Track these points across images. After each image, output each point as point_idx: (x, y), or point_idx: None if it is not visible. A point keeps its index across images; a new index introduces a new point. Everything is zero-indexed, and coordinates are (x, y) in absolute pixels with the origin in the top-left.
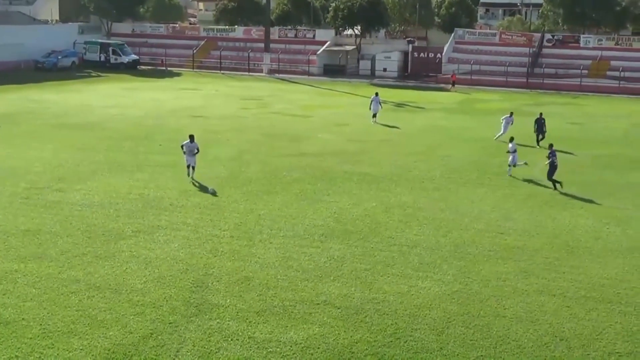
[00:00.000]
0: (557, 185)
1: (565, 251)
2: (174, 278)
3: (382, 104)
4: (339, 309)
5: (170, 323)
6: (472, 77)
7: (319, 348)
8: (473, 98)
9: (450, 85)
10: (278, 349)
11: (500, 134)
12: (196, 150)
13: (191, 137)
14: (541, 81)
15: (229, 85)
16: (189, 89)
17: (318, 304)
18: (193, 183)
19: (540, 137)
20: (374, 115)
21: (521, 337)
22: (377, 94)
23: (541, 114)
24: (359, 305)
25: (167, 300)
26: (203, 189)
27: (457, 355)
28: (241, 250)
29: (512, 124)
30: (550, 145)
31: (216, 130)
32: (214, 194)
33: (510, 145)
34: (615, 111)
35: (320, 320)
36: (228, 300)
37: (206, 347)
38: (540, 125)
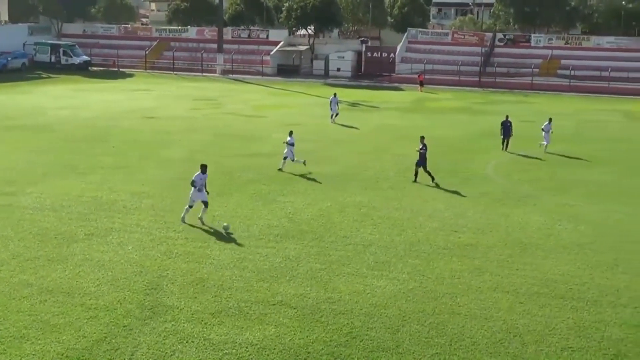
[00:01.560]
0: (418, 176)
1: (518, 248)
2: (127, 281)
3: (339, 104)
4: (294, 309)
5: (124, 326)
6: (426, 77)
7: (275, 349)
8: (426, 97)
9: (419, 86)
10: (234, 351)
11: (544, 144)
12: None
13: (203, 168)
14: (493, 80)
15: (182, 85)
16: (141, 90)
17: (274, 304)
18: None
19: (506, 141)
20: (333, 115)
21: (475, 334)
22: (335, 95)
23: (507, 116)
24: (315, 305)
25: (120, 303)
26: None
27: (413, 353)
28: (195, 251)
29: (552, 131)
30: (422, 138)
31: (168, 131)
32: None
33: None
34: (565, 109)
35: (276, 321)
36: (183, 302)
37: (161, 349)
38: (506, 129)
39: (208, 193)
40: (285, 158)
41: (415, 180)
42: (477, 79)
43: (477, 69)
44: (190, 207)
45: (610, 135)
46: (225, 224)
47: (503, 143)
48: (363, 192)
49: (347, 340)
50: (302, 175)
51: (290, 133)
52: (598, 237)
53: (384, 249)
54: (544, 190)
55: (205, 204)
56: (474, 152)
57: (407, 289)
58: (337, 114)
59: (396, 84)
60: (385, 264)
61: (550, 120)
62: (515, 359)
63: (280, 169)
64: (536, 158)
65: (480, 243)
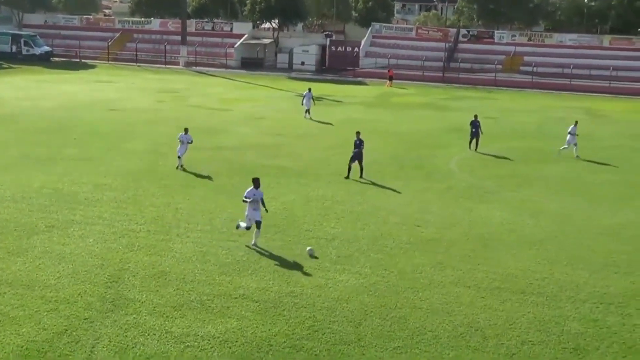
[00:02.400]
0: (350, 173)
1: (480, 243)
2: (88, 273)
3: (314, 100)
4: (257, 302)
5: (85, 319)
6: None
7: (237, 341)
8: (390, 92)
9: (388, 81)
10: (196, 343)
11: (565, 147)
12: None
13: (256, 182)
14: (457, 75)
15: (145, 78)
16: (104, 81)
17: (236, 297)
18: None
19: (475, 140)
20: (307, 111)
21: (437, 328)
22: (310, 90)
23: (476, 116)
24: (277, 299)
25: (81, 296)
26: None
27: (375, 346)
28: (158, 244)
29: (577, 134)
30: (357, 133)
31: (132, 123)
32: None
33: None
34: (528, 105)
35: (238, 314)
36: (144, 295)
37: (122, 342)
38: (476, 128)
39: (267, 211)
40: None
41: (347, 177)
42: (441, 74)
43: (441, 64)
44: (248, 228)
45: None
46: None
47: (471, 143)
48: (327, 186)
49: (309, 334)
50: (266, 169)
51: (186, 130)
52: (559, 232)
53: (347, 243)
54: (507, 185)
55: (258, 224)
56: (438, 147)
57: (370, 283)
58: (307, 110)
59: (360, 79)
60: (348, 258)
61: (576, 123)
62: (476, 352)
63: (180, 167)
64: (499, 155)
65: (443, 238)
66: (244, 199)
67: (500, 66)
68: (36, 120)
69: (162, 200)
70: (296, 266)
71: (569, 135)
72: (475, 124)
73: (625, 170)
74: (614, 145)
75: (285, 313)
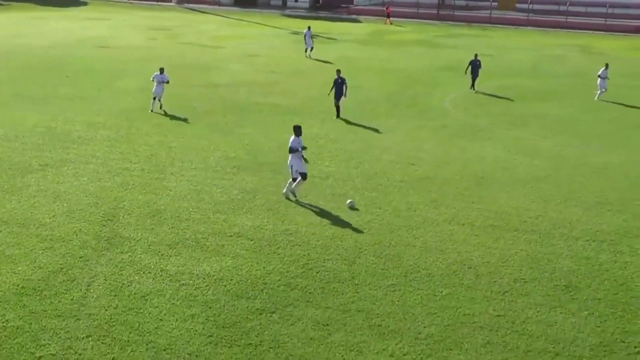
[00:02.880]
0: (339, 112)
1: (474, 182)
2: (83, 212)
3: (313, 38)
4: (251, 240)
5: (80, 257)
6: (384, 9)
7: (232, 280)
8: (384, 29)
9: (386, 18)
10: (191, 282)
11: (599, 92)
12: None
13: (297, 130)
14: (452, 13)
15: (137, 15)
16: (96, 18)
17: (231, 236)
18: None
19: (473, 80)
20: (309, 49)
21: (431, 265)
22: (309, 28)
23: (476, 55)
24: (272, 237)
25: (76, 235)
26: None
27: (369, 284)
28: (152, 182)
29: (608, 78)
30: (338, 71)
31: (124, 61)
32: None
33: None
34: (523, 43)
35: (233, 252)
36: (139, 234)
37: (118, 280)
38: (475, 68)
39: (307, 161)
40: (155, 98)
41: (337, 116)
42: (436, 11)
43: (436, 1)
44: (294, 179)
45: (567, 70)
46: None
47: (473, 83)
48: (320, 124)
49: (304, 272)
50: (259, 107)
51: (162, 70)
52: (552, 170)
53: (341, 182)
54: (501, 124)
55: (303, 175)
56: (432, 86)
57: (364, 221)
58: (312, 48)
59: (355, 16)
60: (342, 197)
61: (606, 66)
62: (469, 290)
63: (153, 110)
64: (494, 94)
65: (437, 176)
66: (291, 149)
67: (495, 3)
68: (29, 58)
69: (155, 138)
70: (291, 204)
71: (599, 79)
72: (475, 64)
73: (619, 108)
74: (609, 84)
75: (280, 251)
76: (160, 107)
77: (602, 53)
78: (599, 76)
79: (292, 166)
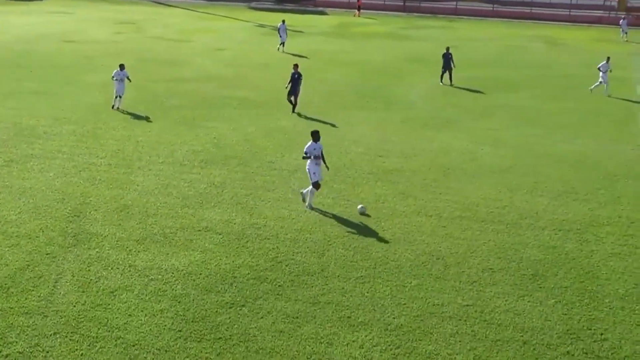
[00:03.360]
0: (295, 107)
1: (441, 173)
2: (49, 208)
3: (287, 31)
4: (220, 234)
5: (47, 254)
6: (350, 1)
7: (201, 274)
8: (350, 22)
9: (356, 11)
10: (159, 276)
11: (599, 84)
12: None
13: (315, 135)
14: (418, 5)
15: (103, 9)
16: (60, 12)
17: (199, 230)
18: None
19: (449, 73)
20: (282, 44)
21: (399, 257)
22: (283, 22)
23: (448, 48)
24: (241, 231)
25: (43, 231)
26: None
27: (338, 276)
28: (119, 177)
29: (610, 70)
30: (295, 66)
31: (90, 55)
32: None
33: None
34: (488, 34)
35: (201, 247)
36: (107, 229)
37: (86, 276)
38: (447, 61)
39: (328, 168)
40: (117, 96)
41: (293, 111)
42: (402, 3)
43: None
44: (315, 184)
45: (531, 61)
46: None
47: (443, 75)
48: (288, 117)
49: (273, 265)
50: (226, 100)
51: (121, 67)
52: (518, 160)
53: (307, 175)
54: (467, 115)
55: (315, 184)
56: (400, 77)
57: (333, 213)
58: (283, 43)
59: (321, 8)
60: None
61: (608, 59)
62: (438, 280)
63: (115, 108)
64: (460, 85)
65: (404, 168)
66: (305, 154)
67: None
68: None
69: (122, 133)
70: (259, 198)
71: (600, 73)
72: (447, 57)
73: (583, 98)
74: (573, 74)
75: (249, 245)
76: (118, 108)
77: (566, 44)
78: (600, 69)
79: (313, 172)
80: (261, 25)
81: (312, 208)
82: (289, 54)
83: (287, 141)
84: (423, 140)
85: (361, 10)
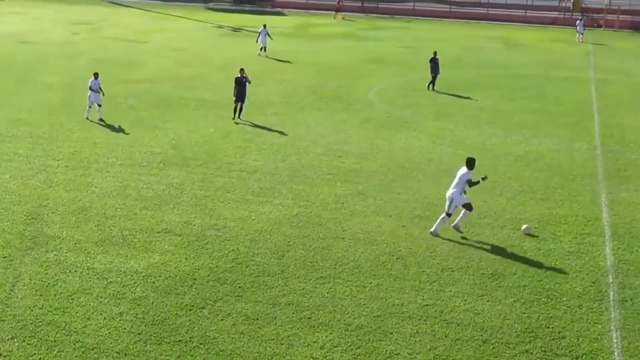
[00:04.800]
0: (237, 115)
1: (400, 173)
2: (6, 211)
3: (270, 36)
4: (179, 236)
5: (4, 257)
6: (308, 2)
7: (160, 276)
8: (309, 22)
9: (335, 12)
10: (119, 279)
11: None
12: None
13: (470, 163)
14: (376, 5)
15: (59, 9)
16: (15, 12)
17: (158, 232)
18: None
19: (435, 79)
20: (263, 49)
21: (359, 257)
22: (265, 26)
23: (435, 53)
24: (200, 232)
25: None
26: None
27: (298, 277)
28: (77, 180)
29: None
30: (241, 70)
31: (46, 56)
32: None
33: None
34: (446, 35)
35: (161, 249)
36: (65, 232)
37: (43, 280)
38: (435, 66)
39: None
40: (90, 106)
41: (234, 118)
42: (360, 4)
43: None
44: (448, 215)
45: (489, 62)
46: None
47: (433, 83)
48: (247, 118)
49: (233, 266)
50: (184, 101)
51: (96, 75)
52: (477, 160)
53: (269, 175)
54: (426, 115)
55: (467, 206)
56: (357, 78)
57: (292, 214)
58: (263, 48)
59: (279, 9)
60: (270, 190)
61: None
62: (398, 280)
63: (87, 118)
64: (418, 85)
65: (363, 168)
66: (475, 184)
67: None
68: None
69: (79, 135)
70: (218, 199)
71: None
72: (434, 61)
73: (539, 98)
74: (530, 74)
75: (209, 246)
76: (100, 119)
77: (523, 45)
78: None
79: (452, 200)
80: (219, 26)
81: (461, 232)
82: (240, 54)
83: (246, 142)
84: (382, 141)
85: (340, 12)
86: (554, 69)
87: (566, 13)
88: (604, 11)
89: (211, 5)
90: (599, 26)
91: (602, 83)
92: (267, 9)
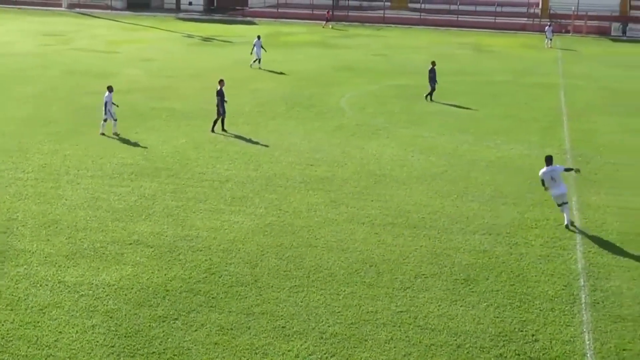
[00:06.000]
0: (214, 127)
1: (372, 180)
2: None
3: (264, 48)
4: (151, 247)
5: None
6: (279, 10)
7: (132, 288)
8: (279, 31)
9: (324, 22)
10: (90, 292)
11: None
12: None
13: (548, 160)
14: (346, 14)
15: (27, 20)
16: None
17: (130, 243)
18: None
19: (431, 89)
20: (258, 60)
21: (333, 265)
22: (259, 37)
23: (434, 63)
24: (172, 243)
25: None
26: None
27: (272, 286)
28: (47, 192)
29: None
30: (221, 82)
31: (16, 68)
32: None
33: None
34: (416, 42)
35: (133, 260)
36: (35, 245)
37: (14, 294)
38: (433, 76)
39: (578, 170)
40: (105, 120)
41: (213, 129)
42: (330, 12)
43: (329, 2)
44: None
45: (460, 68)
46: (567, 221)
47: (431, 93)
48: (217, 127)
49: (206, 277)
50: (156, 112)
51: (110, 89)
52: (448, 167)
53: (241, 185)
54: (398, 122)
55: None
56: (330, 86)
57: (265, 223)
58: (258, 60)
59: (250, 18)
60: (243, 200)
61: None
62: (371, 287)
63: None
64: (389, 93)
65: (335, 176)
66: (542, 183)
67: (389, 3)
68: None
69: (49, 147)
70: (190, 209)
71: None
72: (433, 72)
73: (510, 105)
74: (501, 80)
75: (181, 257)
76: (115, 133)
77: (493, 51)
78: None
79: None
80: (189, 36)
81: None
82: (212, 64)
83: (218, 152)
84: (354, 148)
85: (330, 22)
86: (524, 75)
87: (535, 19)
88: (572, 17)
89: (181, 15)
90: (567, 32)
91: (571, 88)
92: (238, 18)
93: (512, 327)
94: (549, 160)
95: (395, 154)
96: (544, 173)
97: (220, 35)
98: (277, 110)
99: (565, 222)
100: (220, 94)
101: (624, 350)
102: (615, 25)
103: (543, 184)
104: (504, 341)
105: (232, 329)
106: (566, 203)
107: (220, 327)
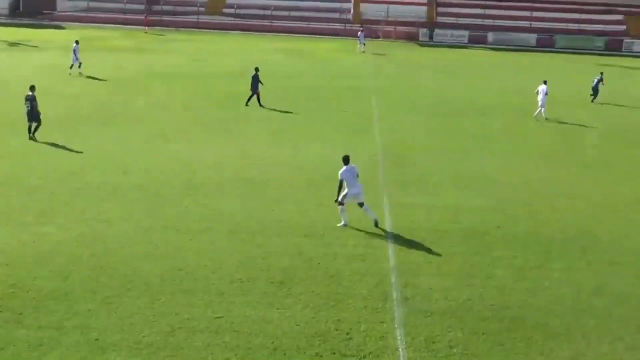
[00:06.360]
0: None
1: (187, 186)
2: None
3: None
4: None
5: None
6: (90, 15)
7: None
8: (92, 36)
9: (146, 27)
10: None
11: (539, 111)
12: None
13: (345, 160)
14: (160, 18)
15: None
16: None
17: None
18: None
19: (252, 95)
20: (79, 65)
21: (148, 274)
22: (77, 42)
23: (257, 69)
24: None
25: None
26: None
27: (84, 298)
28: None
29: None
30: (32, 88)
31: None
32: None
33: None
34: (231, 47)
35: None
36: None
37: None
38: (255, 82)
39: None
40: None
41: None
42: (144, 17)
43: (142, 7)
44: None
45: (274, 73)
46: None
47: (254, 98)
48: (21, 137)
49: (13, 292)
50: None
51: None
52: (266, 171)
53: (48, 195)
54: (213, 128)
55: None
56: (144, 93)
57: (76, 234)
58: (80, 64)
59: (58, 22)
60: (52, 211)
61: (545, 82)
62: (187, 294)
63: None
64: (204, 98)
65: (149, 183)
66: (340, 184)
67: (202, 9)
68: None
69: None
70: None
71: (540, 95)
72: (256, 77)
73: (324, 108)
74: (314, 85)
75: None
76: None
77: (307, 55)
78: (538, 92)
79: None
80: None
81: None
82: (14, 71)
83: (26, 162)
84: (166, 155)
85: (149, 27)
86: (337, 78)
87: (347, 24)
88: (382, 23)
89: None
90: (377, 37)
91: (383, 91)
92: (45, 22)
93: (327, 326)
94: (346, 159)
95: (211, 159)
96: (343, 173)
97: (27, 40)
98: (89, 117)
99: (373, 221)
100: (30, 99)
101: (433, 342)
102: (423, 30)
103: (341, 184)
104: (319, 341)
105: (41, 345)
106: (363, 203)
107: (29, 343)
